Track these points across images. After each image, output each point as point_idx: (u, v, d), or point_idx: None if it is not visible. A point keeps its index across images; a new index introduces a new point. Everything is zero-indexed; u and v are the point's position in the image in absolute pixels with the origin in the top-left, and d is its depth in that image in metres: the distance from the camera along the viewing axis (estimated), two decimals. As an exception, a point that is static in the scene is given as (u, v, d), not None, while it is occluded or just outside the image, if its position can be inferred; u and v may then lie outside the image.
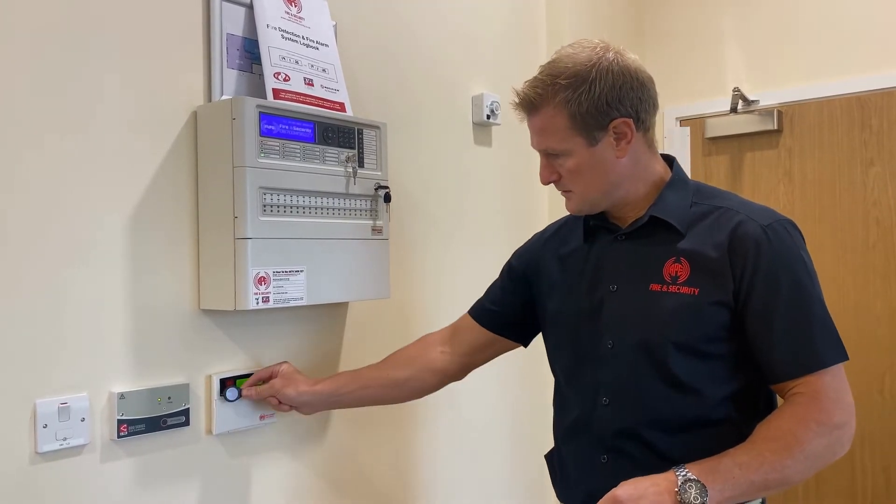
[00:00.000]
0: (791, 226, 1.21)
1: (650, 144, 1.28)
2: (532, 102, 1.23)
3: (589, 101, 1.18)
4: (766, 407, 1.23)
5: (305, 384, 1.52)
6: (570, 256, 1.37)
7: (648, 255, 1.24)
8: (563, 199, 1.32)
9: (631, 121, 1.21)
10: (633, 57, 1.24)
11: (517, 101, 1.26)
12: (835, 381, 1.14)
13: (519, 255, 1.54)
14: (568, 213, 1.45)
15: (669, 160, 1.32)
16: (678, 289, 1.19)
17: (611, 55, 1.21)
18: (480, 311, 1.55)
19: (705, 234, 1.20)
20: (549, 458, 1.41)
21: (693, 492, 1.05)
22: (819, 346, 1.14)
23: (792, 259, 1.17)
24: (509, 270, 1.54)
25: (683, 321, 1.18)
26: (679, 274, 1.19)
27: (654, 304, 1.20)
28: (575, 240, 1.38)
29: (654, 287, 1.21)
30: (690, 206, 1.24)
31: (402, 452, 1.93)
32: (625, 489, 1.08)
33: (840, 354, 1.15)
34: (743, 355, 1.19)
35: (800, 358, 1.14)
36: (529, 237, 1.59)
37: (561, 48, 1.26)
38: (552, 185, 1.31)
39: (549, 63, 1.24)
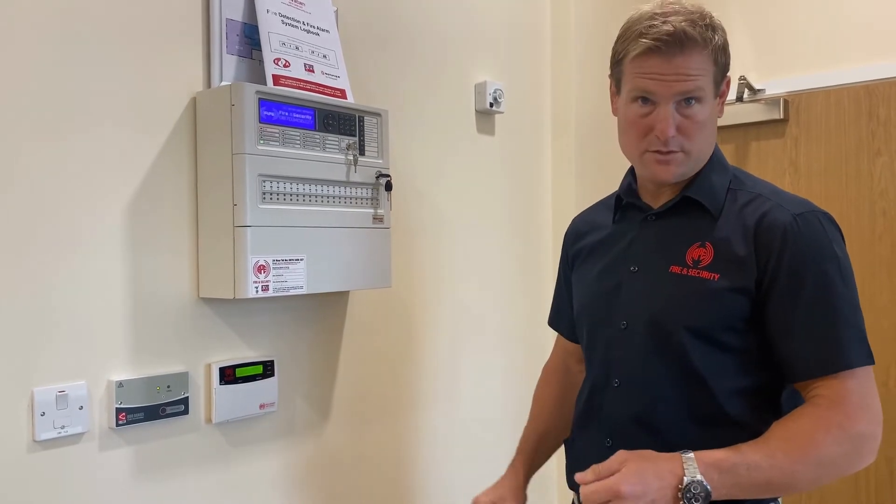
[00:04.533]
0: (827, 218, 1.15)
1: None
2: (692, 40, 1.12)
3: (726, 50, 1.17)
4: (790, 411, 1.17)
5: (512, 492, 1.38)
6: (600, 241, 1.34)
7: (675, 236, 1.21)
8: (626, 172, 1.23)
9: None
10: None
11: (666, 35, 1.11)
12: (861, 386, 1.08)
13: (562, 253, 1.50)
14: (598, 200, 1.43)
15: None
16: (698, 273, 1.15)
17: None
18: (563, 325, 1.51)
19: (735, 219, 1.17)
20: (566, 443, 1.39)
21: (696, 492, 1.01)
22: (844, 347, 1.08)
23: (822, 252, 1.11)
24: (564, 274, 1.50)
25: (698, 306, 1.14)
26: (702, 258, 1.16)
27: (671, 287, 1.17)
28: (605, 224, 1.35)
29: (675, 269, 1.18)
30: (727, 190, 1.21)
31: (401, 443, 1.93)
32: (629, 484, 1.02)
33: (867, 357, 1.09)
34: (762, 350, 1.15)
35: (821, 357, 1.09)
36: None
37: (664, 3, 1.17)
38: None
39: (677, 6, 1.15)
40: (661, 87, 1.14)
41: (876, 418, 1.09)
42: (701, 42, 1.13)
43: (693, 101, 1.15)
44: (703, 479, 1.02)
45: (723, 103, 1.21)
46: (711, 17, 1.16)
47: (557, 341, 1.55)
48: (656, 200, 1.26)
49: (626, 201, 1.31)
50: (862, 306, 1.14)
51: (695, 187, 1.21)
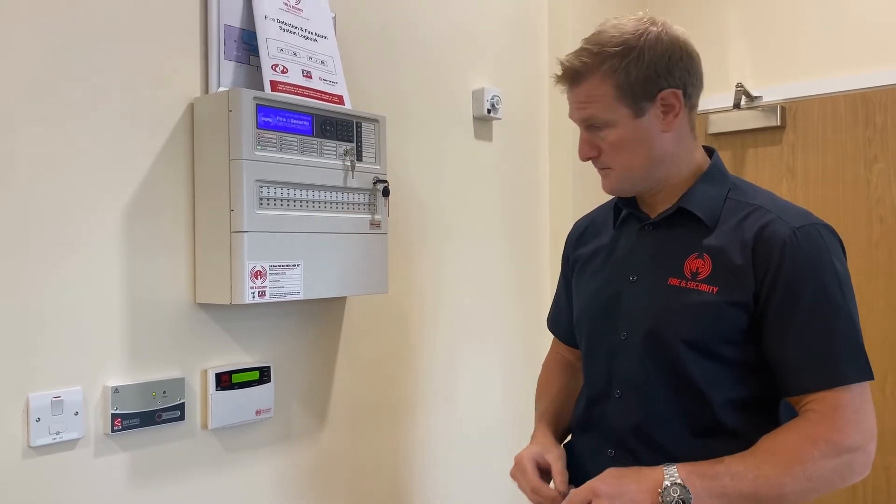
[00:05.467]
0: (827, 231, 1.14)
1: (693, 128, 1.23)
2: (577, 72, 1.18)
3: (638, 70, 1.15)
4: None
5: (552, 445, 1.30)
6: (600, 247, 1.34)
7: (672, 247, 1.20)
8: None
9: (680, 92, 1.17)
10: (681, 30, 1.21)
11: (559, 72, 1.22)
12: (855, 401, 1.06)
13: (563, 256, 1.48)
14: (600, 204, 1.42)
15: (710, 151, 1.27)
16: (696, 285, 1.14)
17: (658, 27, 1.18)
18: (561, 330, 1.49)
19: (733, 231, 1.16)
20: (565, 447, 1.38)
21: (676, 496, 1.02)
22: (840, 361, 1.07)
23: (821, 265, 1.10)
24: (564, 277, 1.49)
25: (697, 319, 1.14)
26: (700, 270, 1.15)
27: (670, 299, 1.16)
28: (606, 229, 1.35)
29: (673, 281, 1.17)
30: (724, 200, 1.20)
31: (399, 449, 1.92)
32: (606, 484, 1.06)
33: (864, 373, 1.08)
34: (759, 362, 1.14)
35: (816, 371, 1.08)
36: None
37: (605, 21, 1.22)
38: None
39: (594, 34, 1.20)
40: (572, 114, 1.24)
41: (868, 434, 1.07)
42: (588, 73, 1.18)
43: (602, 126, 1.19)
44: (684, 483, 1.03)
45: (674, 115, 1.17)
46: (632, 37, 1.15)
47: (555, 340, 1.55)
48: (653, 210, 1.25)
49: (625, 211, 1.30)
50: (859, 313, 1.13)
51: (689, 198, 1.20)
